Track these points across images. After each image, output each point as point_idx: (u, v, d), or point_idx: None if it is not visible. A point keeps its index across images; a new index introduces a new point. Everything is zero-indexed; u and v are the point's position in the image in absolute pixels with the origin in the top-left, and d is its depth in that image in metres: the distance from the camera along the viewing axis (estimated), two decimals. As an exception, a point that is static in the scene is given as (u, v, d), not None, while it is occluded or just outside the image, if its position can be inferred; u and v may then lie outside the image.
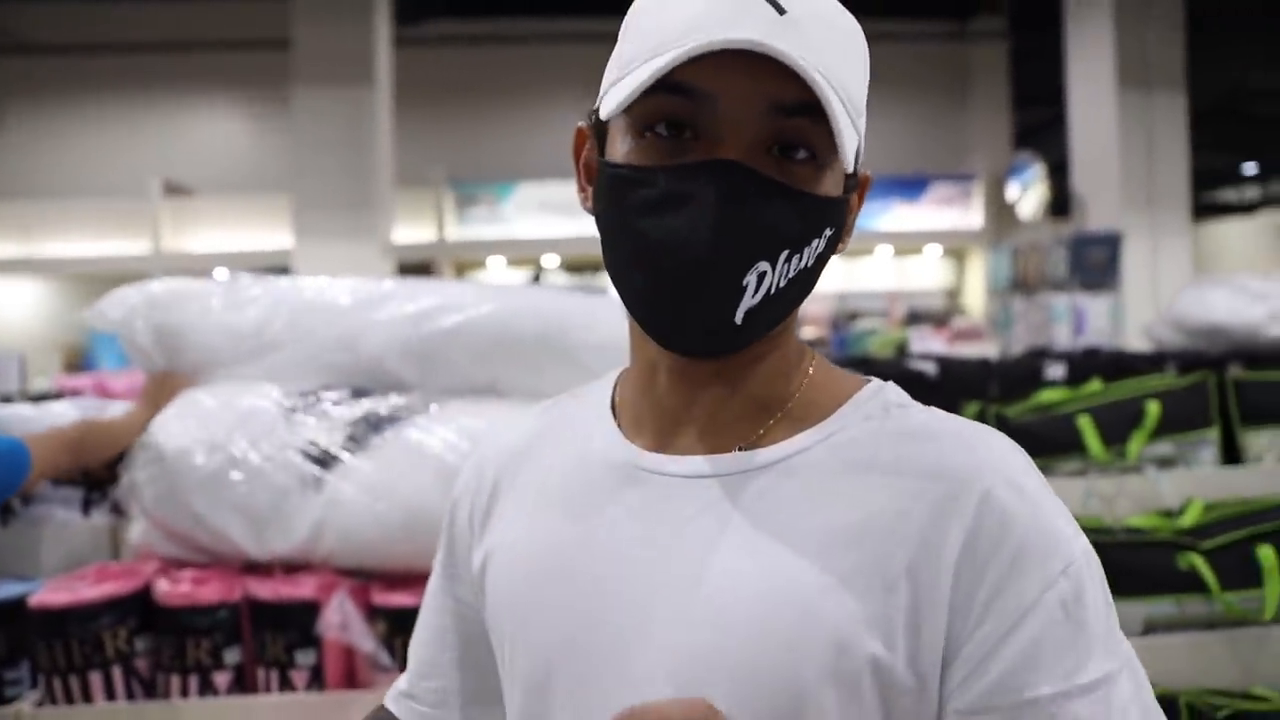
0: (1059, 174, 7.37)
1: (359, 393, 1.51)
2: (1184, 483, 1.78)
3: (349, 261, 5.83)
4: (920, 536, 0.56)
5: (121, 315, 1.65)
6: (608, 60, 0.65)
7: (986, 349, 5.20)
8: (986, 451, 0.59)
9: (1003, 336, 5.72)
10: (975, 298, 9.69)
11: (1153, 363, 2.40)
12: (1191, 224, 6.61)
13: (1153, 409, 1.84)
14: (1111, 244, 5.14)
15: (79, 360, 7.13)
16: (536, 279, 9.89)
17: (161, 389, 1.55)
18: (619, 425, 0.68)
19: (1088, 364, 2.41)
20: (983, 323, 7.31)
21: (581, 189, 0.66)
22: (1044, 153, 7.94)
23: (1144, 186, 6.25)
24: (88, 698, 1.38)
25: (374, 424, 1.45)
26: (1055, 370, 2.49)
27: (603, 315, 1.59)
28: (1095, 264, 5.12)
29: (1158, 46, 6.27)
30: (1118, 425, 1.84)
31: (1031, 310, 5.57)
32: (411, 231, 8.42)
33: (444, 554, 0.77)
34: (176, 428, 1.44)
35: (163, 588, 1.41)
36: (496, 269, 9.88)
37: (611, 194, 0.59)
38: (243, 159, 9.34)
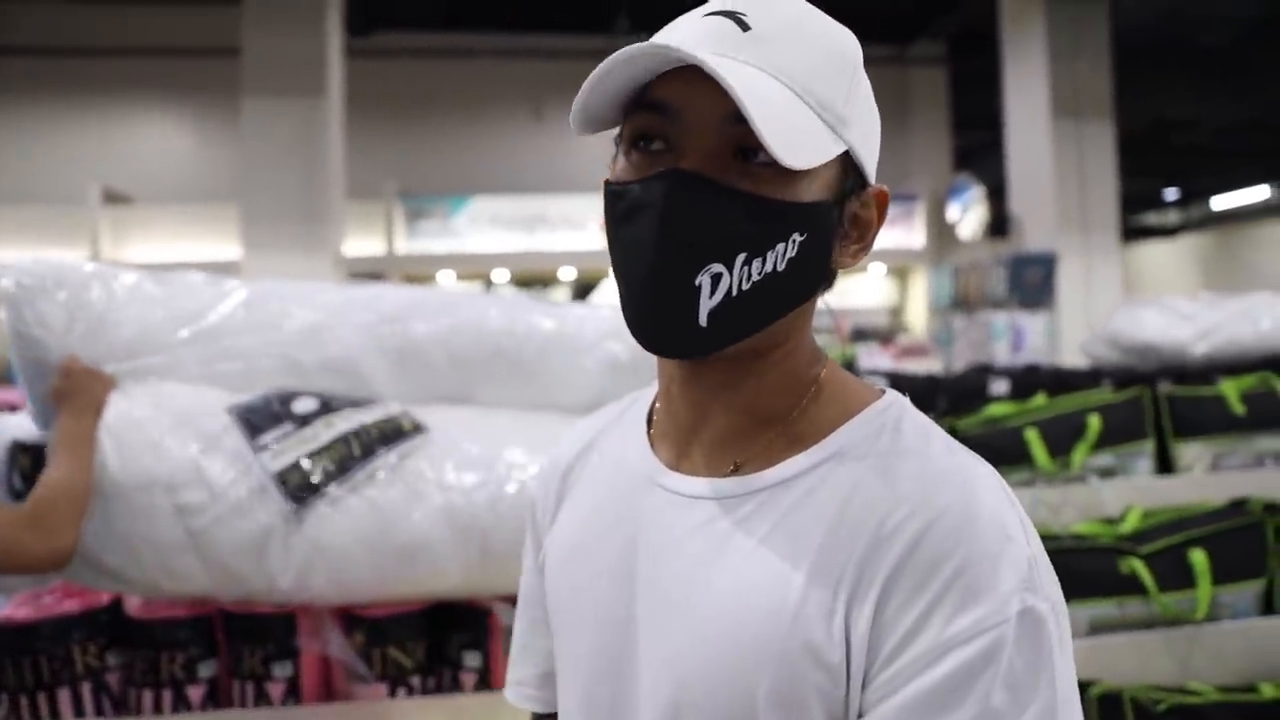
0: (997, 196, 7.63)
1: (328, 404, 1.34)
2: (1124, 492, 1.87)
3: (299, 274, 5.74)
4: (857, 567, 0.56)
5: (29, 285, 1.30)
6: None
7: (931, 365, 5.36)
8: (952, 487, 0.57)
9: (945, 353, 5.89)
10: (918, 315, 9.94)
11: (1090, 379, 2.52)
12: (1120, 246, 6.91)
13: (1094, 422, 1.95)
14: (1047, 264, 5.34)
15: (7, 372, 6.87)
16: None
17: (81, 398, 1.24)
18: (650, 435, 0.71)
19: (1030, 380, 2.52)
20: (926, 340, 7.51)
21: None
22: (982, 175, 8.23)
23: (1077, 210, 6.52)
24: (55, 716, 1.35)
25: (366, 446, 1.28)
26: (999, 386, 2.60)
27: (592, 328, 1.55)
28: (1032, 283, 5.32)
29: (1088, 78, 6.56)
30: (1062, 438, 1.94)
31: (972, 328, 5.75)
32: (362, 244, 8.32)
33: (531, 547, 0.81)
34: (117, 460, 1.19)
35: (135, 602, 1.40)
36: (446, 283, 9.82)
37: (605, 207, 0.63)
38: (187, 168, 9.12)
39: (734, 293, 0.58)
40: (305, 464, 1.24)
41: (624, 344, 1.52)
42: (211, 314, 1.37)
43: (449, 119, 9.52)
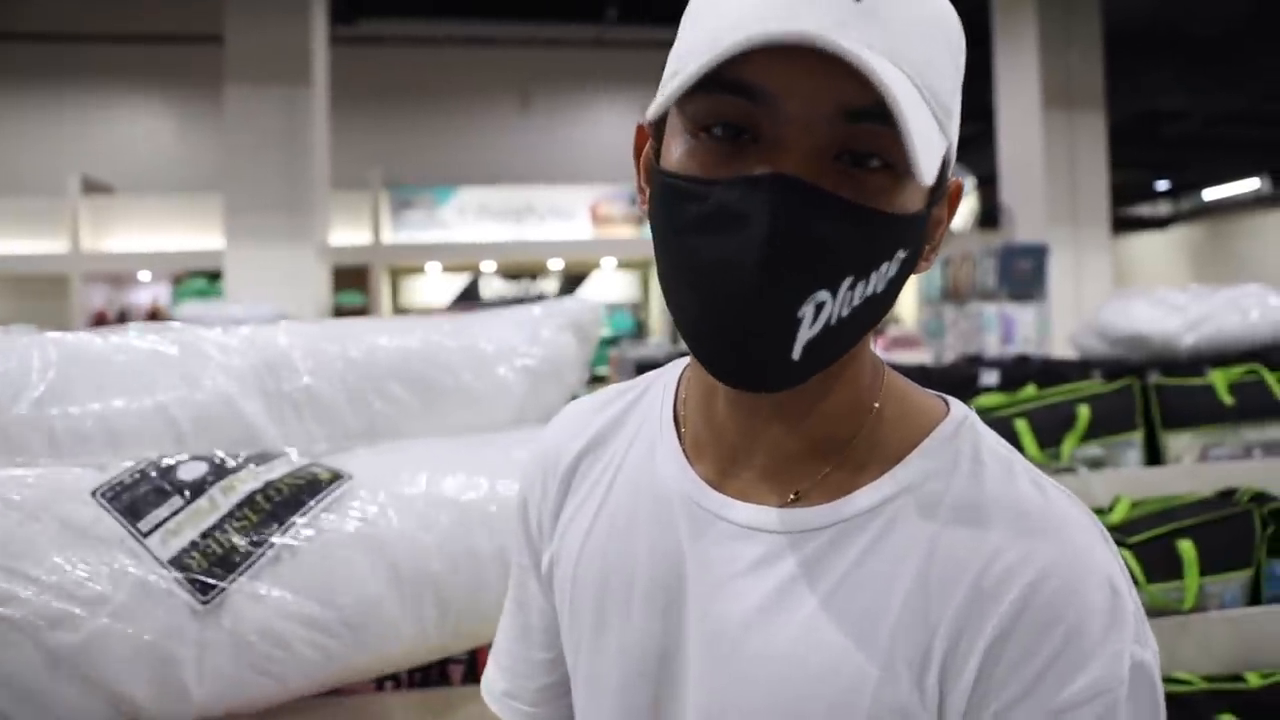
0: (988, 187, 7.63)
1: (221, 466, 1.09)
2: (1112, 482, 1.86)
3: (283, 264, 5.69)
4: (954, 628, 0.51)
5: None
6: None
7: (921, 356, 5.35)
8: (1055, 536, 0.53)
9: (935, 344, 5.88)
10: (908, 307, 9.95)
11: (1080, 370, 2.50)
12: (1111, 238, 6.92)
13: (1083, 413, 1.93)
14: (1038, 256, 5.33)
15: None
16: (474, 284, 9.82)
17: None
18: (682, 441, 0.63)
19: (1020, 370, 2.50)
20: (916, 331, 7.52)
21: (640, 189, 0.60)
22: (973, 166, 8.22)
23: (1068, 201, 6.53)
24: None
25: (280, 506, 1.05)
26: (989, 377, 2.58)
27: (497, 336, 1.43)
28: (1023, 275, 5.31)
29: (1079, 69, 6.56)
30: (1052, 428, 1.92)
31: (962, 319, 5.74)
32: (347, 235, 8.27)
33: (521, 552, 0.73)
34: None
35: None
36: (433, 273, 9.77)
37: (663, 205, 0.54)
38: (169, 157, 9.05)
39: (834, 321, 0.51)
40: (207, 543, 1.00)
41: (534, 349, 1.45)
42: (51, 373, 1.14)
43: (436, 108, 9.46)
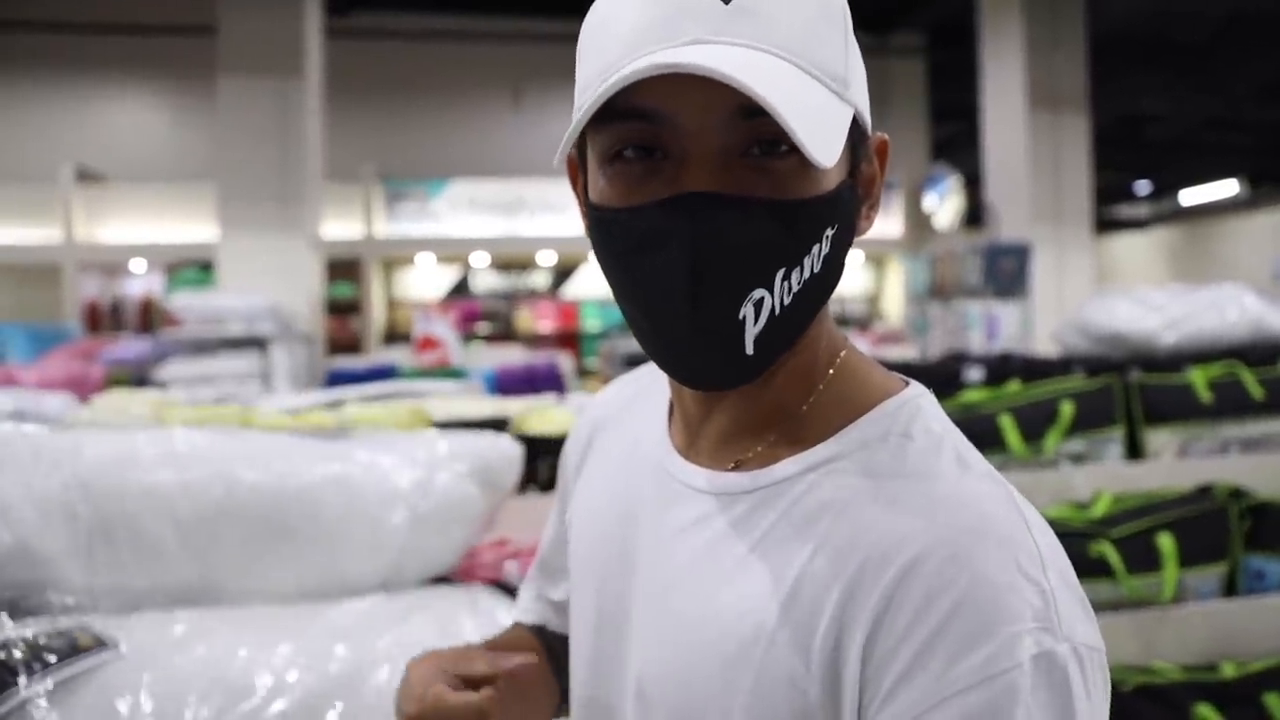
0: (973, 186, 7.70)
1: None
2: (1094, 477, 1.91)
3: (276, 256, 5.68)
4: (844, 597, 0.51)
5: None
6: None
7: (907, 352, 5.41)
8: (953, 513, 0.51)
9: (920, 340, 5.94)
10: (894, 303, 10.03)
11: (1062, 367, 2.56)
12: (1093, 237, 7.01)
13: (1066, 409, 1.99)
14: (1022, 254, 5.40)
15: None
16: (465, 278, 9.81)
17: None
18: (671, 413, 0.68)
19: (1004, 367, 2.55)
20: (902, 327, 7.59)
21: (583, 215, 0.61)
22: (959, 165, 8.30)
23: (1051, 201, 6.60)
24: None
25: (9, 671, 0.89)
26: (974, 373, 2.63)
27: (391, 476, 1.20)
28: (1007, 273, 5.37)
29: (1064, 71, 6.63)
30: (1035, 424, 1.97)
31: (947, 315, 5.79)
32: (339, 227, 8.25)
33: (559, 497, 0.80)
34: None
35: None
36: (425, 266, 9.76)
37: (596, 234, 0.57)
38: (162, 147, 8.97)
39: (777, 311, 0.53)
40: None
41: (425, 496, 1.20)
42: None
43: (429, 101, 9.43)
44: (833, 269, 0.56)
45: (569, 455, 0.78)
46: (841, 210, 0.55)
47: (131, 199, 8.26)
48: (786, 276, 0.53)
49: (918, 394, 0.60)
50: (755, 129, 0.51)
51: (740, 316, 0.52)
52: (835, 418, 0.58)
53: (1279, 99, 8.23)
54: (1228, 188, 13.74)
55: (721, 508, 0.59)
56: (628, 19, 0.52)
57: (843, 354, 0.61)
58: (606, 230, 0.55)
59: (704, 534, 0.59)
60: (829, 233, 0.54)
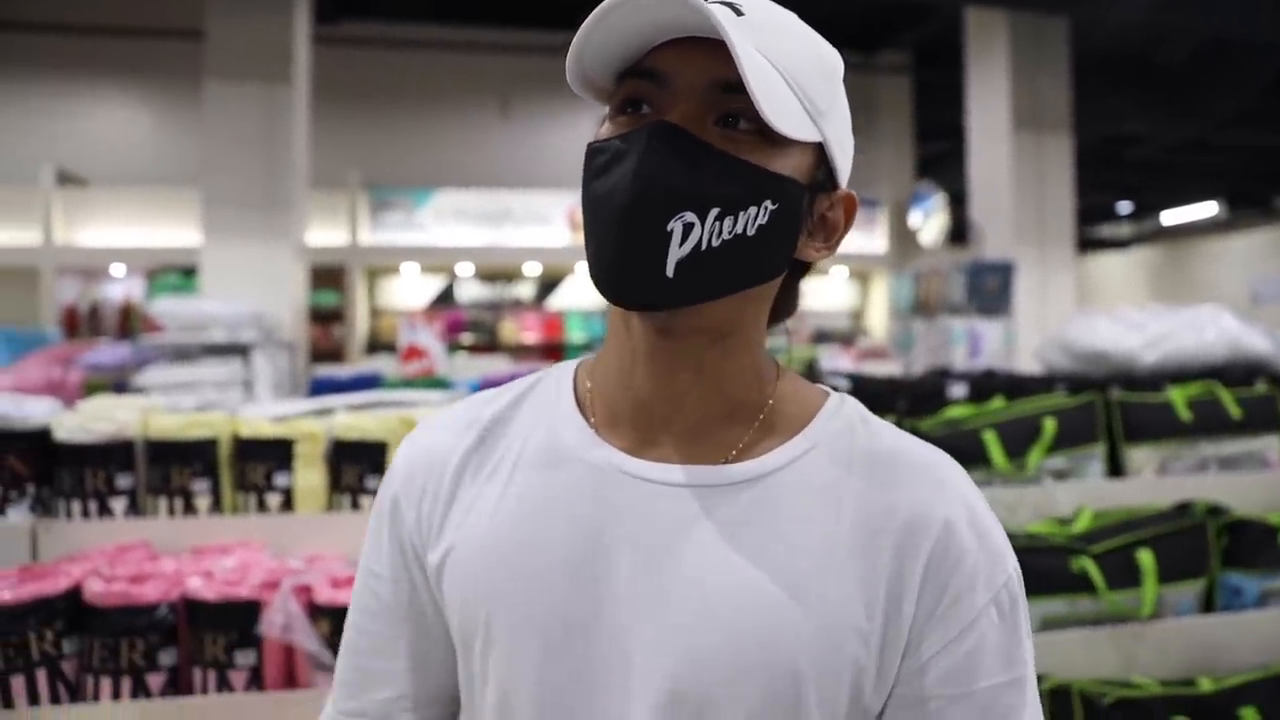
0: (958, 204, 7.77)
1: None
2: (1076, 493, 1.93)
3: (259, 262, 5.64)
4: (895, 560, 0.62)
5: None
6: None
7: (890, 368, 5.44)
8: (948, 484, 0.66)
9: (904, 356, 5.97)
10: (878, 319, 10.09)
11: (1044, 384, 2.58)
12: (1075, 256, 7.08)
13: (1049, 426, 2.00)
14: (1005, 272, 5.45)
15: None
16: (450, 288, 9.78)
17: None
18: (590, 421, 0.67)
19: (987, 384, 2.57)
20: (886, 343, 7.63)
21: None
22: (944, 183, 8.37)
23: (1034, 220, 6.67)
24: (8, 703, 1.33)
25: None
26: (958, 389, 2.65)
27: None
28: (990, 291, 5.42)
29: (1048, 92, 6.71)
30: (1018, 440, 1.99)
31: (931, 332, 5.83)
32: (324, 234, 8.21)
33: (391, 562, 0.71)
34: None
35: (96, 588, 1.38)
36: (410, 275, 9.73)
37: (584, 166, 0.64)
38: (146, 151, 8.91)
39: (704, 246, 0.59)
40: None
41: None
42: None
43: (416, 111, 9.43)
44: (765, 246, 0.62)
45: (413, 495, 0.70)
46: (785, 197, 0.62)
47: (113, 203, 8.18)
48: (719, 218, 0.59)
49: (846, 395, 0.71)
50: (725, 103, 0.60)
51: (668, 228, 0.58)
52: (796, 415, 0.68)
53: (1256, 124, 8.36)
54: (1207, 209, 13.94)
55: (725, 498, 0.64)
56: (656, 9, 0.59)
57: (780, 367, 0.71)
58: (591, 158, 0.63)
59: (714, 522, 0.63)
60: (769, 205, 0.61)
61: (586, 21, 0.59)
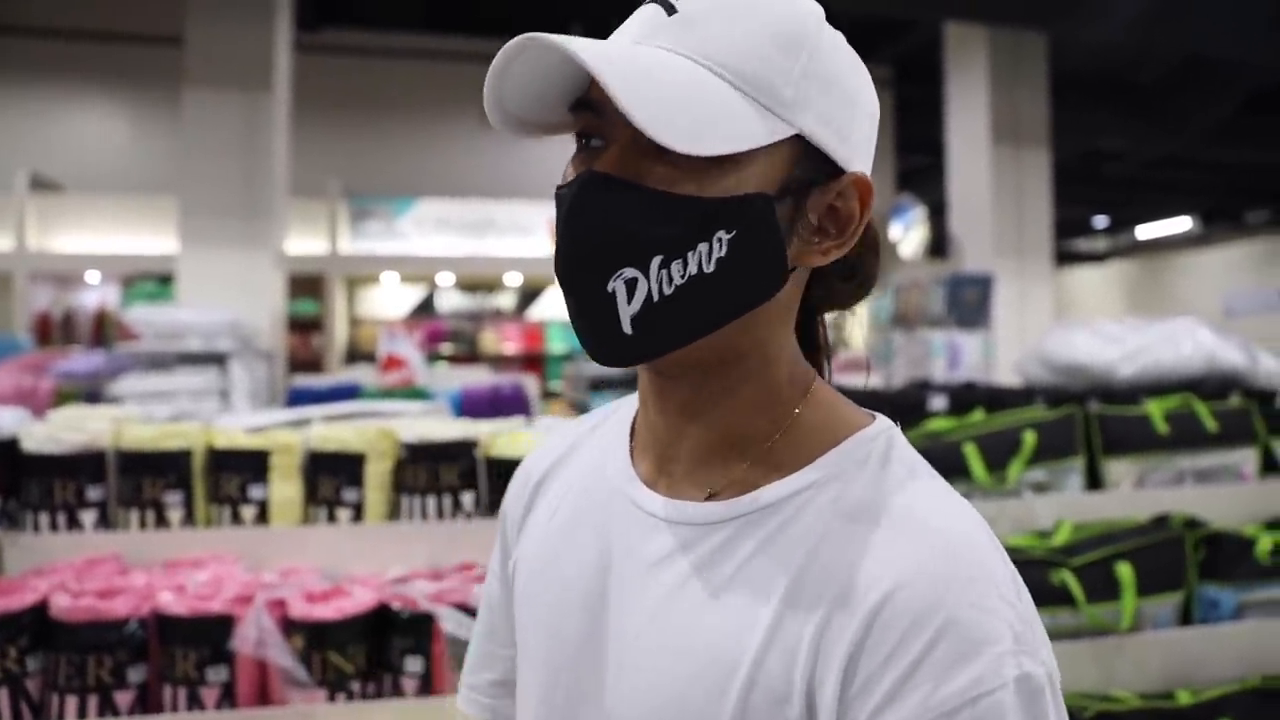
0: (937, 217, 7.83)
1: None
2: (1055, 506, 1.94)
3: (237, 270, 5.59)
4: (823, 628, 0.52)
5: None
6: None
7: (871, 380, 5.45)
8: (926, 547, 0.53)
9: (884, 368, 6.00)
10: (858, 331, 10.12)
11: (1023, 396, 2.60)
12: (1053, 269, 7.15)
13: (1029, 438, 2.01)
14: (984, 285, 5.49)
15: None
16: (430, 297, 9.74)
17: None
18: (632, 447, 0.68)
19: (967, 396, 2.58)
20: (866, 355, 7.66)
21: None
22: (924, 196, 8.44)
23: (1013, 233, 6.74)
24: (-30, 721, 1.30)
25: None
26: (938, 401, 2.66)
27: None
28: (970, 303, 5.46)
29: (1027, 107, 6.79)
30: (999, 453, 1.99)
31: (911, 344, 5.87)
32: (304, 243, 8.15)
33: (500, 561, 0.77)
34: None
35: (62, 603, 1.35)
36: (390, 284, 9.67)
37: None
38: (123, 157, 8.81)
39: (655, 298, 0.54)
40: None
41: None
42: None
43: (397, 119, 9.39)
44: (733, 277, 0.55)
45: (510, 507, 0.76)
46: (744, 220, 0.54)
47: (88, 209, 8.08)
48: (665, 265, 0.54)
49: (888, 426, 0.61)
50: None
51: (609, 289, 0.54)
52: (810, 447, 0.60)
53: (1230, 140, 8.50)
54: (1181, 224, 14.15)
55: (698, 537, 0.59)
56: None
57: (813, 385, 0.63)
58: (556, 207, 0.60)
59: (679, 566, 0.59)
60: (722, 235, 0.54)
61: (488, 81, 0.57)
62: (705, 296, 0.55)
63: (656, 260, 0.54)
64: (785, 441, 0.60)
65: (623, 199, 0.54)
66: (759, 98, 0.54)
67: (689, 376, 0.60)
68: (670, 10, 0.55)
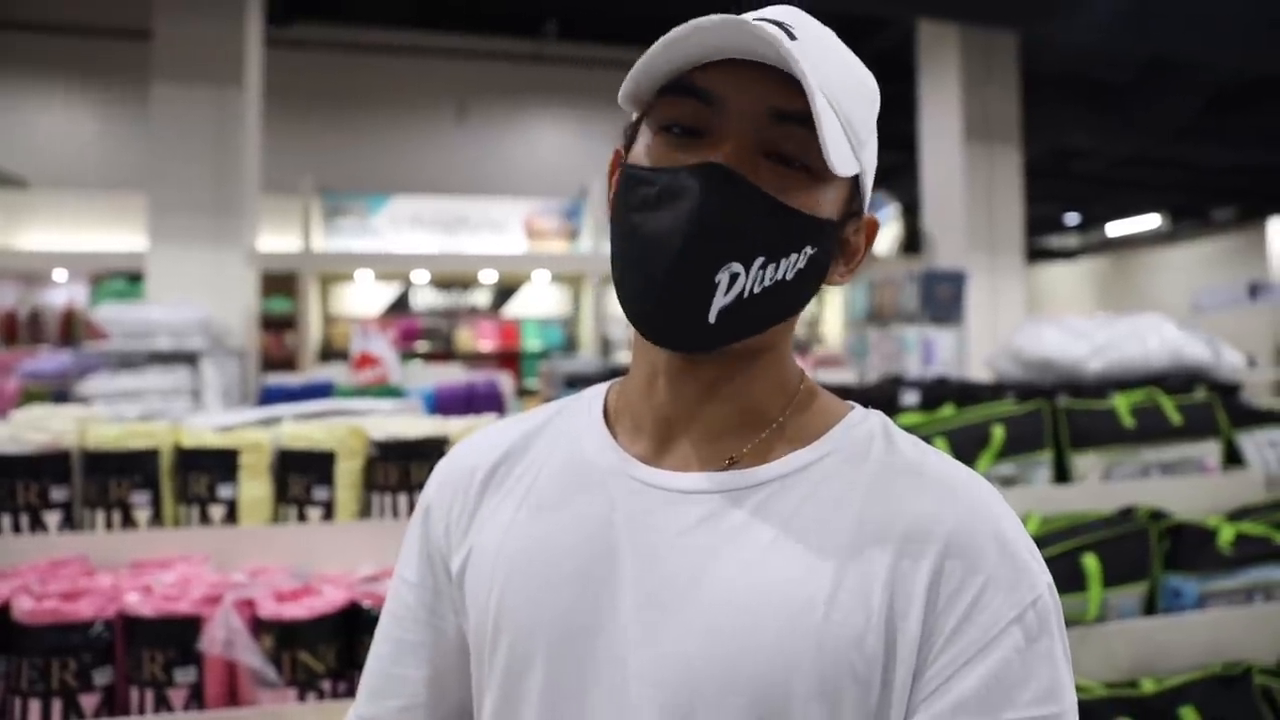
0: (911, 214, 7.89)
1: None
2: (1024, 499, 1.96)
3: (208, 268, 5.53)
4: (895, 566, 0.59)
5: None
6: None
7: (846, 375, 5.50)
8: (964, 496, 0.62)
9: (859, 364, 6.04)
10: (834, 327, 10.19)
11: (994, 392, 2.63)
12: (1025, 266, 7.23)
13: (998, 433, 2.04)
14: (958, 281, 5.55)
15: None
16: (405, 295, 9.67)
17: None
18: (613, 432, 0.70)
19: (939, 391, 2.61)
20: (841, 351, 7.71)
21: (610, 202, 0.69)
22: (898, 194, 8.50)
23: (985, 230, 6.81)
24: (-71, 728, 1.27)
25: None
26: (910, 396, 2.68)
27: None
28: (943, 299, 5.51)
29: (998, 106, 6.87)
30: (968, 446, 2.02)
31: (885, 340, 5.91)
32: (276, 240, 8.06)
33: (419, 568, 0.75)
34: None
35: (25, 605, 1.33)
36: (364, 282, 9.59)
37: (622, 190, 0.63)
38: (90, 153, 8.67)
39: (745, 294, 0.60)
40: None
41: None
42: None
43: (371, 116, 9.32)
44: (801, 287, 0.63)
45: (445, 505, 0.73)
46: (823, 240, 0.62)
47: (55, 206, 7.94)
48: (764, 266, 0.60)
49: (870, 411, 0.69)
50: (780, 135, 0.59)
51: (715, 280, 0.59)
52: (816, 423, 0.67)
53: (1197, 140, 8.64)
54: (1150, 221, 14.35)
55: (731, 503, 0.63)
56: (710, 32, 0.58)
57: (805, 378, 0.71)
58: (632, 187, 0.62)
59: (718, 528, 0.62)
60: (809, 250, 0.61)
61: (655, 46, 0.58)
62: (778, 299, 0.62)
63: (759, 260, 0.59)
64: (792, 420, 0.67)
65: (747, 198, 0.59)
66: (850, 135, 0.61)
67: (722, 360, 0.65)
68: (792, 36, 0.59)
